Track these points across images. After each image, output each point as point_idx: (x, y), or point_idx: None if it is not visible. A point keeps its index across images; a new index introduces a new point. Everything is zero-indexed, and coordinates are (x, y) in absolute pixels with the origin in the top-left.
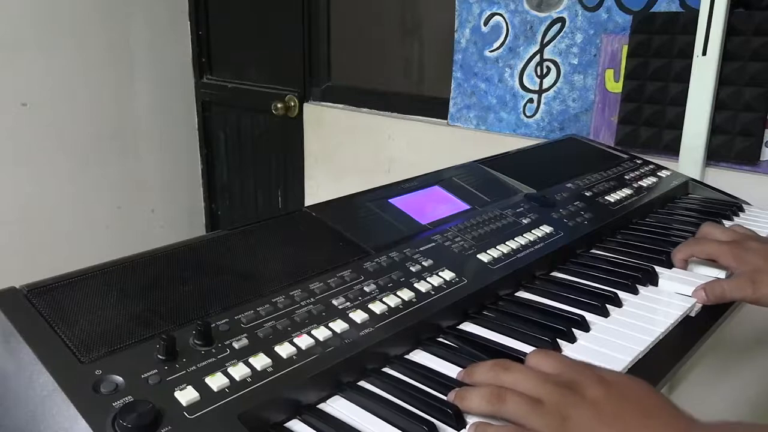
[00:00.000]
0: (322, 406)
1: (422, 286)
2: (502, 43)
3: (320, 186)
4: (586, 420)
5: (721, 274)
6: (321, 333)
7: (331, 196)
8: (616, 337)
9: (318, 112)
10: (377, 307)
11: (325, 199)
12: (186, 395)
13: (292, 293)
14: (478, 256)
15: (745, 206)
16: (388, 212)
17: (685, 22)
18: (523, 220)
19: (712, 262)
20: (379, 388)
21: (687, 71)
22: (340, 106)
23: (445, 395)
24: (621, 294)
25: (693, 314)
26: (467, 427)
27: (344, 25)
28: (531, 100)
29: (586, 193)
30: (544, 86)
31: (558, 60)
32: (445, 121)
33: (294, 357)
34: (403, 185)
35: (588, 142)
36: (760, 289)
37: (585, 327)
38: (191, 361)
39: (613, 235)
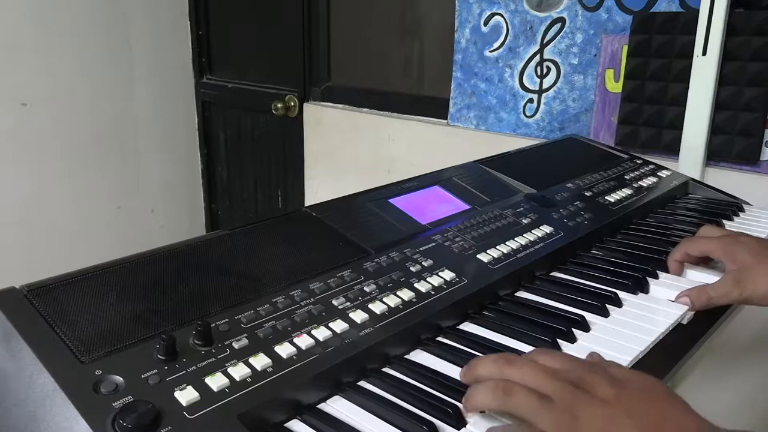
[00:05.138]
0: (322, 406)
1: (422, 286)
2: (502, 43)
3: (320, 186)
4: (597, 420)
5: (715, 279)
6: (321, 333)
7: (331, 196)
8: (616, 337)
9: (318, 112)
10: (377, 307)
11: (325, 199)
12: (186, 395)
13: (292, 293)
14: (478, 256)
15: (745, 206)
16: (388, 212)
17: (685, 22)
18: (523, 220)
19: (707, 263)
20: (379, 388)
21: (687, 71)
22: (340, 106)
23: (445, 395)
24: (621, 294)
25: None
26: (467, 426)
27: (344, 25)
28: (531, 100)
29: (586, 193)
30: (544, 86)
31: (558, 60)
32: (445, 121)
33: (294, 357)
34: (403, 185)
35: (588, 142)
36: (746, 289)
37: (585, 327)
38: (191, 361)
39: (613, 235)
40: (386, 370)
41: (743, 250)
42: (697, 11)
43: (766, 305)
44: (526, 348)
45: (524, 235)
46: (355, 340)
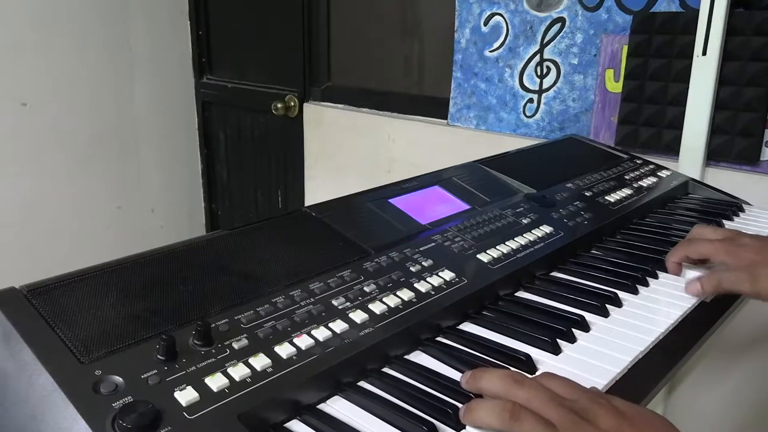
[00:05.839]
0: (322, 406)
1: (422, 286)
2: (502, 43)
3: (320, 186)
4: None
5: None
6: (321, 333)
7: (331, 196)
8: (616, 337)
9: (318, 112)
10: (377, 307)
11: (325, 199)
12: (186, 395)
13: (292, 293)
14: (478, 256)
15: (745, 206)
16: (388, 212)
17: (685, 22)
18: (523, 220)
19: (705, 263)
20: (379, 388)
21: (687, 71)
22: (340, 106)
23: (445, 395)
24: (621, 294)
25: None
26: (467, 427)
27: (344, 25)
28: (531, 100)
29: (586, 193)
30: (544, 86)
31: (558, 60)
32: (445, 121)
33: (294, 357)
34: (403, 185)
35: (588, 142)
36: (758, 282)
37: (585, 327)
38: (191, 362)
39: (613, 235)
40: (386, 370)
41: (746, 250)
42: (697, 11)
43: None
44: (526, 348)
45: (524, 235)
46: (355, 340)
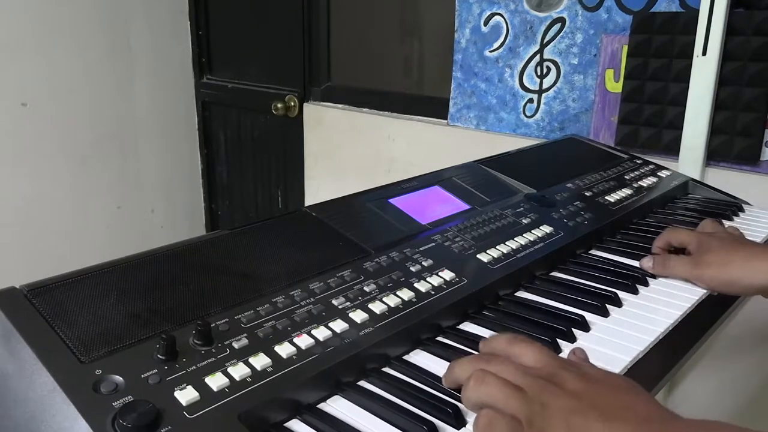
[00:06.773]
0: (322, 406)
1: (422, 286)
2: (502, 43)
3: (320, 186)
4: (563, 408)
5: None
6: (321, 333)
7: (331, 196)
8: (616, 336)
9: (318, 112)
10: (377, 307)
11: (325, 199)
12: (186, 395)
13: (292, 293)
14: (478, 256)
15: (745, 206)
16: (388, 212)
17: (685, 22)
18: (523, 220)
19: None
20: (379, 388)
21: (687, 71)
22: (340, 106)
23: (445, 395)
24: (621, 294)
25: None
26: (467, 426)
27: (344, 25)
28: (531, 100)
29: (586, 193)
30: (544, 86)
31: (558, 60)
32: (445, 121)
33: (294, 357)
34: (403, 185)
35: (588, 142)
36: (698, 268)
37: (585, 327)
38: (191, 361)
39: (613, 235)
40: (386, 369)
41: (714, 240)
42: (697, 11)
43: (713, 287)
44: None
45: (524, 235)
46: (355, 340)
